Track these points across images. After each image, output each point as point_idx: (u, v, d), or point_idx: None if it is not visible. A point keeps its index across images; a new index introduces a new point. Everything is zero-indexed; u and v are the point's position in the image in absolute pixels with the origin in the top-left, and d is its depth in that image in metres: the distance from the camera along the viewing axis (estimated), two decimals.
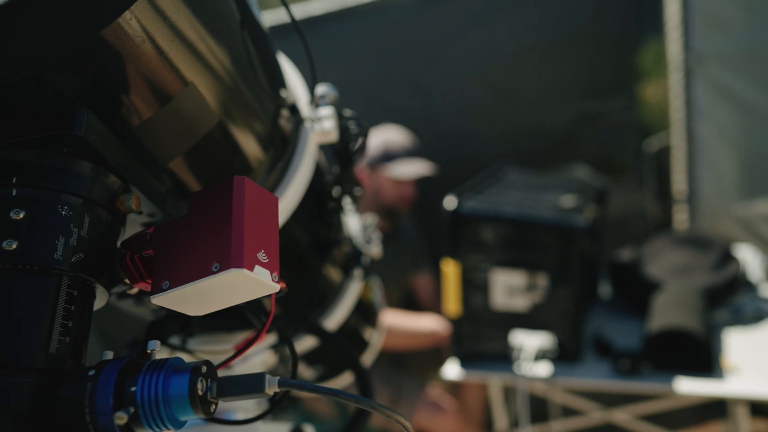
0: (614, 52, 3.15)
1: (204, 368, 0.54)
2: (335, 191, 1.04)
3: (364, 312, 1.40)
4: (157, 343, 0.57)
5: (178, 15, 0.58)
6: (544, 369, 2.13)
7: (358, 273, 1.19)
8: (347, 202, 1.08)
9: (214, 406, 0.54)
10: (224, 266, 0.54)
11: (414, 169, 2.59)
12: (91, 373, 0.52)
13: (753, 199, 2.91)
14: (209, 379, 0.54)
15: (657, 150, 3.27)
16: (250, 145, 0.78)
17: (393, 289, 2.65)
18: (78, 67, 0.54)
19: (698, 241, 2.52)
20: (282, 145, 0.86)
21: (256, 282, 0.56)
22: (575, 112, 3.14)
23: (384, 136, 2.69)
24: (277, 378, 0.54)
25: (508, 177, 2.55)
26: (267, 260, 0.57)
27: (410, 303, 2.79)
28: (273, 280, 0.57)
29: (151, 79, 0.59)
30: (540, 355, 2.13)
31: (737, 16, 2.88)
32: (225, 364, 0.66)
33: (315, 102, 0.93)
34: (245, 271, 0.54)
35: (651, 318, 2.15)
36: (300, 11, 2.93)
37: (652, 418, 2.35)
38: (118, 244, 0.64)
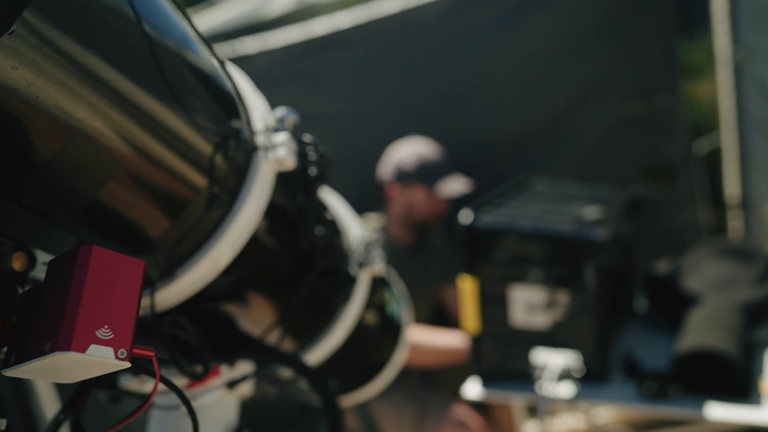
0: (657, 49, 2.96)
1: None
2: (307, 218, 1.02)
3: (384, 327, 1.36)
4: (3, 422, 0.56)
5: (58, 48, 0.53)
6: (567, 389, 2.04)
7: (348, 296, 1.15)
8: (320, 228, 1.05)
9: None
10: (53, 347, 0.52)
11: (457, 187, 2.56)
12: None
13: None
14: None
15: (708, 152, 3.07)
16: (175, 185, 0.75)
17: (422, 303, 2.60)
18: None
19: (741, 252, 2.35)
20: (226, 178, 0.83)
21: (93, 362, 0.54)
22: (615, 115, 2.99)
23: (416, 151, 2.64)
24: None
25: (534, 187, 2.46)
26: (111, 336, 0.55)
27: (440, 317, 2.74)
28: (118, 357, 0.55)
29: (23, 134, 0.55)
30: (564, 375, 2.04)
31: None
32: None
33: (268, 129, 0.90)
34: (72, 353, 0.52)
35: (682, 336, 2.01)
36: (328, 25, 2.92)
37: None
38: None
